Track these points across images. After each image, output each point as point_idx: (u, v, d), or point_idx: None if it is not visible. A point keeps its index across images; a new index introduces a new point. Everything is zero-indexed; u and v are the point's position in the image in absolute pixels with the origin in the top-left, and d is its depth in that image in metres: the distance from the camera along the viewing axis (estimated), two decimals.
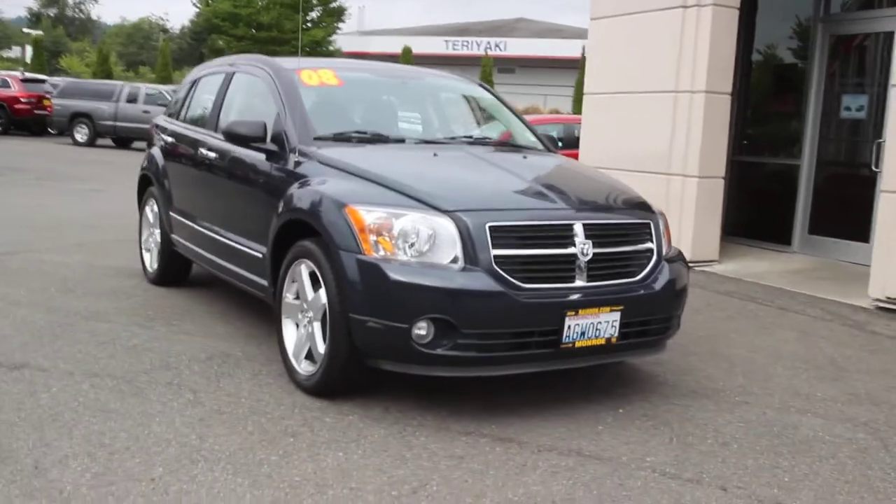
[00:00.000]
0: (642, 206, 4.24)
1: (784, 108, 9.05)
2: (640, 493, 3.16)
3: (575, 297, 3.74)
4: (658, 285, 4.01)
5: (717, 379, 4.62)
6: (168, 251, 5.93)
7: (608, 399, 4.18)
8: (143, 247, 6.39)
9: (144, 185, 6.35)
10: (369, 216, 3.70)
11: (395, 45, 46.05)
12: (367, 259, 3.64)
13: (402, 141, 4.68)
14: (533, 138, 5.17)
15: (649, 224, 4.12)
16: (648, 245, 4.07)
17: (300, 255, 4.05)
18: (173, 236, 5.78)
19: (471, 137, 5.02)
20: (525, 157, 4.69)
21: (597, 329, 3.78)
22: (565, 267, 3.77)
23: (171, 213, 5.75)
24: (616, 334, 3.85)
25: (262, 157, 4.57)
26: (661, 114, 8.16)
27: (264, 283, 4.48)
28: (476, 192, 3.91)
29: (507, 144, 5.01)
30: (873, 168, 7.85)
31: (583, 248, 3.78)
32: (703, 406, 4.17)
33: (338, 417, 3.75)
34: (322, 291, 3.86)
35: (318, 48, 24.73)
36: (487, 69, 44.02)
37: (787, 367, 4.94)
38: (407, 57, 45.09)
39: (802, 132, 8.64)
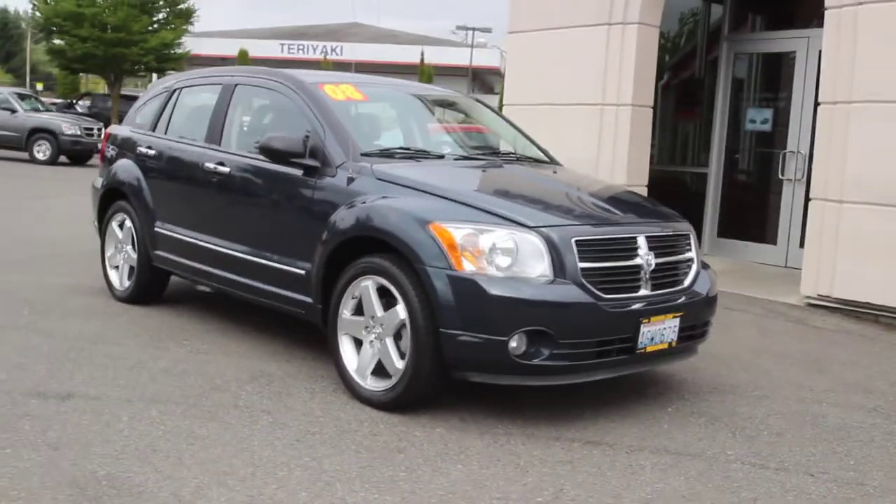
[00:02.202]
0: (679, 218, 4.55)
1: (693, 120, 9.73)
2: (749, 483, 3.44)
3: (644, 305, 3.99)
4: (702, 291, 4.33)
5: (726, 376, 5.00)
6: (147, 268, 5.70)
7: (648, 399, 4.46)
8: (108, 264, 6.09)
9: (109, 199, 6.05)
10: (458, 233, 3.79)
11: (228, 48, 45.02)
12: (461, 275, 3.73)
13: (441, 157, 4.77)
14: (539, 152, 5.38)
15: (689, 234, 4.44)
16: (690, 254, 4.38)
17: (367, 271, 4.07)
18: (157, 252, 5.57)
19: (499, 153, 5.17)
20: (556, 172, 4.90)
21: (662, 334, 4.05)
22: (633, 277, 4.01)
23: (157, 229, 5.53)
24: (675, 338, 4.14)
25: (299, 172, 4.53)
26: (588, 126, 8.58)
27: (306, 299, 4.44)
28: (550, 209, 4.07)
29: (531, 160, 5.19)
30: (780, 176, 8.63)
31: (647, 259, 4.04)
32: (734, 401, 4.53)
33: (427, 431, 3.81)
34: (399, 307, 3.91)
35: (168, 51, 23.85)
36: None
37: (774, 362, 5.40)
38: (244, 60, 44.14)
39: (710, 143, 9.33)
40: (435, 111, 5.49)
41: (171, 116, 5.76)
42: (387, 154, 4.56)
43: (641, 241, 4.07)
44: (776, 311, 6.97)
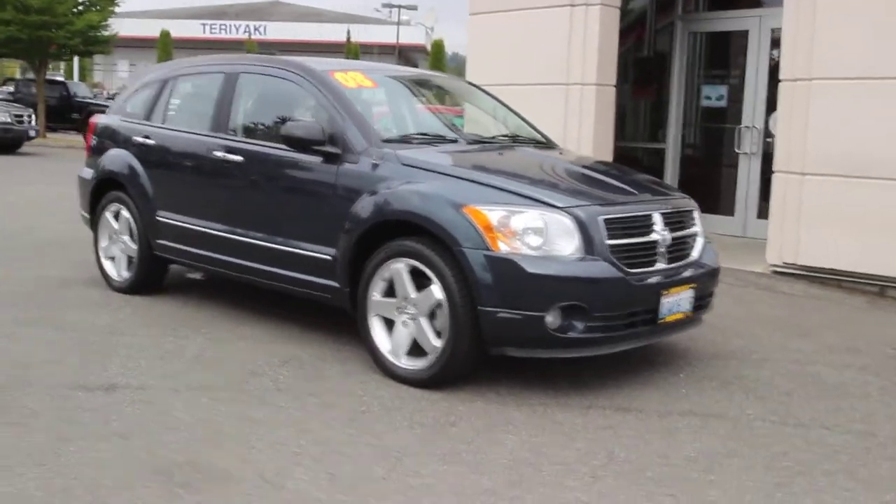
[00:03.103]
0: (683, 195, 4.81)
1: (650, 97, 10.06)
2: (775, 439, 3.74)
3: (663, 278, 4.25)
4: (710, 263, 4.62)
5: (721, 343, 5.31)
6: (148, 258, 5.73)
7: (660, 366, 4.73)
8: (102, 255, 6.07)
9: (101, 190, 6.03)
10: (493, 215, 3.97)
11: (148, 29, 43.96)
12: (498, 255, 3.92)
13: (455, 141, 4.92)
14: (538, 134, 5.59)
15: (693, 210, 4.71)
16: (696, 229, 4.66)
17: (398, 254, 4.22)
18: (160, 241, 5.60)
19: (507, 136, 5.35)
20: (562, 154, 5.11)
21: (678, 305, 4.32)
22: (651, 252, 4.26)
23: (159, 218, 5.56)
24: (690, 309, 4.41)
25: (318, 159, 4.63)
26: (553, 105, 8.81)
27: (332, 284, 4.56)
28: (574, 189, 4.29)
29: (534, 142, 5.38)
30: (736, 150, 9.03)
31: (663, 234, 4.29)
32: (737, 365, 4.84)
33: (468, 405, 4.00)
34: (435, 287, 4.08)
35: (95, 33, 23.18)
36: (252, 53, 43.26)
37: (759, 328, 5.74)
38: (165, 41, 43.16)
39: (666, 119, 9.68)
40: (437, 96, 5.63)
41: (167, 105, 5.77)
42: (405, 140, 4.70)
43: (657, 218, 4.32)
44: (745, 279, 7.35)
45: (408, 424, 3.74)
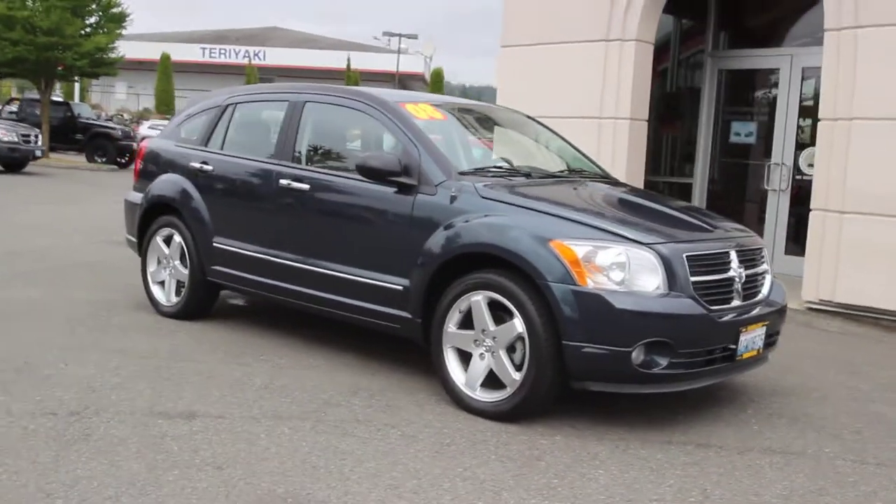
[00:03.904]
0: (752, 233, 4.85)
1: (677, 132, 10.15)
2: (861, 479, 3.74)
3: (740, 315, 4.27)
4: (778, 301, 4.64)
5: (776, 379, 5.32)
6: (201, 283, 5.71)
7: (724, 402, 4.74)
8: (150, 279, 6.05)
9: (152, 215, 6.02)
10: (580, 250, 3.98)
11: (147, 52, 44.02)
12: (585, 290, 3.93)
13: (528, 175, 4.94)
14: (598, 168, 5.62)
15: (763, 248, 4.74)
16: (765, 266, 4.69)
17: (478, 286, 4.22)
18: (215, 267, 5.58)
19: (574, 171, 5.39)
20: (630, 189, 5.15)
21: (754, 342, 4.34)
22: (728, 289, 4.28)
23: (216, 244, 5.54)
24: (762, 346, 4.43)
25: (392, 190, 4.64)
26: (587, 138, 8.82)
27: (403, 314, 4.56)
28: (655, 226, 4.31)
29: (599, 176, 5.41)
30: (765, 186, 9.10)
31: (739, 271, 4.32)
32: (799, 402, 4.85)
33: (548, 439, 3.99)
34: (516, 321, 4.08)
35: (103, 55, 23.21)
36: (252, 78, 43.40)
37: (811, 364, 5.77)
38: (166, 64, 43.32)
39: (694, 154, 9.76)
40: (505, 129, 5.67)
41: (226, 132, 5.77)
42: (480, 172, 4.72)
43: (733, 255, 4.35)
44: None
45: (495, 457, 3.73)
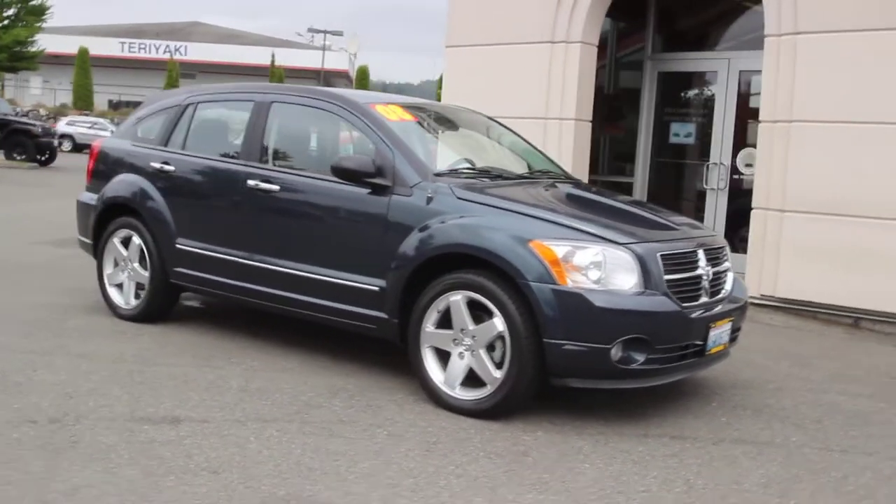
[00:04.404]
0: (713, 232, 5.03)
1: (617, 132, 10.38)
2: (829, 465, 3.94)
3: (709, 311, 4.44)
4: (741, 297, 4.83)
5: (733, 372, 5.52)
6: (162, 286, 5.63)
7: (688, 395, 4.91)
8: (107, 282, 5.93)
9: (109, 215, 5.90)
10: (559, 250, 4.09)
11: (63, 45, 42.72)
12: (565, 289, 4.03)
13: (500, 177, 5.02)
14: (560, 169, 5.74)
15: (725, 246, 4.93)
16: (728, 264, 4.87)
17: (456, 286, 4.29)
18: (178, 269, 5.51)
19: (541, 172, 5.48)
20: (596, 191, 5.28)
21: (721, 337, 4.52)
22: (696, 286, 4.44)
23: (179, 246, 5.48)
24: (727, 341, 4.61)
25: (365, 191, 4.67)
26: (532, 139, 8.82)
27: (380, 315, 4.59)
28: (629, 226, 4.44)
29: (563, 177, 5.52)
30: (704, 186, 9.39)
31: (707, 269, 4.49)
32: (758, 394, 5.06)
33: (530, 435, 4.09)
34: (496, 320, 4.16)
35: (22, 49, 22.44)
36: (174, 74, 42.58)
37: (763, 358, 6.00)
38: (84, 58, 42.12)
39: (634, 154, 10.00)
40: (469, 130, 5.74)
41: (188, 131, 5.69)
42: (454, 174, 4.78)
43: (701, 254, 4.51)
44: None
45: (483, 454, 3.80)
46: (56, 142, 24.99)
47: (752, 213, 7.79)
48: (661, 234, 4.50)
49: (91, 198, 6.11)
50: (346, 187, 4.74)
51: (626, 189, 10.07)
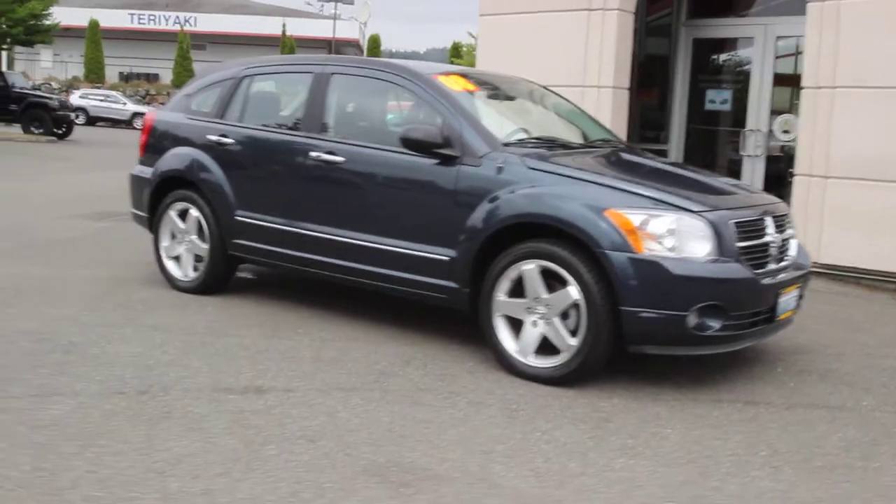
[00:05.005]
0: (778, 199, 5.05)
1: (652, 99, 10.35)
2: None
3: (778, 278, 4.47)
4: (805, 264, 4.87)
5: (791, 338, 5.55)
6: (222, 257, 5.68)
7: (752, 361, 4.96)
8: (164, 254, 5.98)
9: (165, 189, 5.94)
10: (635, 218, 4.12)
11: (72, 18, 42.49)
12: (642, 257, 4.07)
13: (566, 146, 5.03)
14: (618, 138, 5.75)
15: (788, 213, 4.95)
16: (792, 230, 4.90)
17: (530, 255, 4.33)
18: (238, 241, 5.56)
19: (602, 141, 5.49)
20: (658, 158, 5.30)
21: (788, 304, 4.56)
22: (765, 253, 4.48)
23: (238, 218, 5.52)
24: (795, 307, 4.65)
25: (433, 161, 4.69)
26: None
27: (451, 284, 4.64)
28: (701, 194, 4.46)
29: (626, 145, 5.54)
30: (741, 152, 9.38)
31: (775, 236, 4.52)
32: (821, 359, 5.11)
33: (607, 401, 4.15)
34: (571, 288, 4.20)
35: (37, 22, 22.38)
36: (185, 46, 42.41)
37: (816, 323, 6.00)
38: (94, 31, 41.97)
39: (669, 122, 9.98)
40: (525, 100, 5.74)
41: (244, 104, 5.71)
42: (522, 144, 4.80)
43: (769, 221, 4.54)
44: None
45: (567, 420, 3.86)
46: (72, 115, 24.96)
47: (795, 179, 7.79)
48: (732, 201, 4.53)
49: (145, 171, 6.14)
50: (413, 158, 4.76)
51: (661, 156, 10.06)
